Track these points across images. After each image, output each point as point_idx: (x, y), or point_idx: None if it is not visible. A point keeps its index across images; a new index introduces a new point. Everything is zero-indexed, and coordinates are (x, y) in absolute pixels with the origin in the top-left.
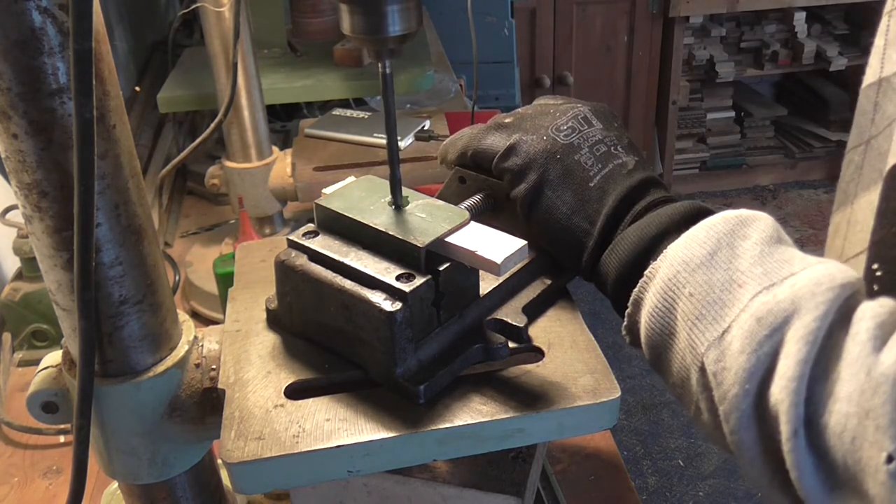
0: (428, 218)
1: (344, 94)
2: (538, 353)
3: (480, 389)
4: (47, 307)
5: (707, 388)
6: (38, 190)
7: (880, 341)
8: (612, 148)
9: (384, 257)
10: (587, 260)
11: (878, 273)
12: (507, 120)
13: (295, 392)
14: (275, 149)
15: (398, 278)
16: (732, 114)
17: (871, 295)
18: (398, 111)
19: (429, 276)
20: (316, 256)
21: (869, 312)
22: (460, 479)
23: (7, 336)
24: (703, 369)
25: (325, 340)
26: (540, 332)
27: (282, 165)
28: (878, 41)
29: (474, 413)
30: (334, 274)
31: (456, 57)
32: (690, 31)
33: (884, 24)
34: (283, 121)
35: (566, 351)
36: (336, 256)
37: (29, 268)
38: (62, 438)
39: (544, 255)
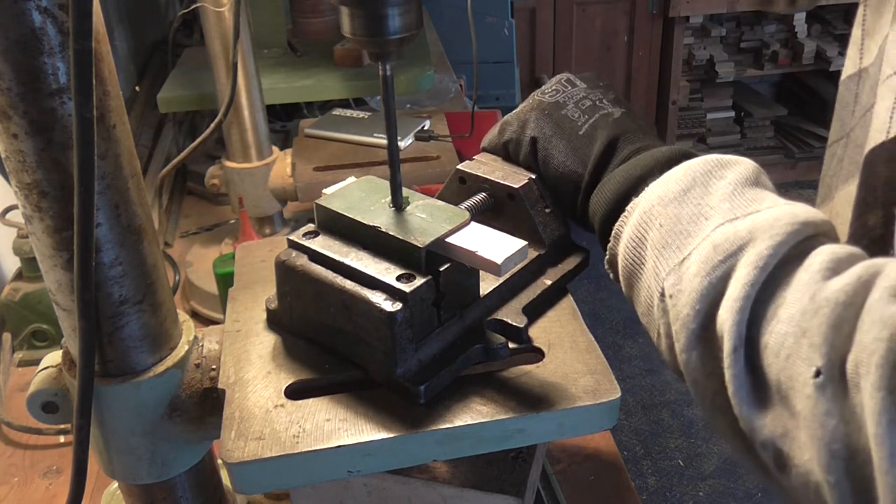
0: (428, 218)
1: (344, 94)
2: (538, 354)
3: (480, 390)
4: (47, 307)
5: (665, 312)
6: (38, 190)
7: (831, 272)
8: (597, 102)
9: (384, 257)
10: (581, 202)
11: None
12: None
13: (295, 392)
14: (275, 149)
15: (399, 278)
16: (732, 114)
17: None
18: (398, 111)
19: (429, 277)
20: (316, 256)
21: (827, 249)
22: (460, 479)
23: (7, 336)
24: (662, 294)
25: (326, 341)
26: (540, 332)
27: (282, 165)
28: (856, 31)
29: (474, 413)
30: (335, 274)
31: (456, 57)
32: (690, 31)
33: (860, 15)
34: (283, 121)
35: (566, 351)
36: (336, 256)
37: (29, 268)
38: (62, 438)
39: (545, 255)
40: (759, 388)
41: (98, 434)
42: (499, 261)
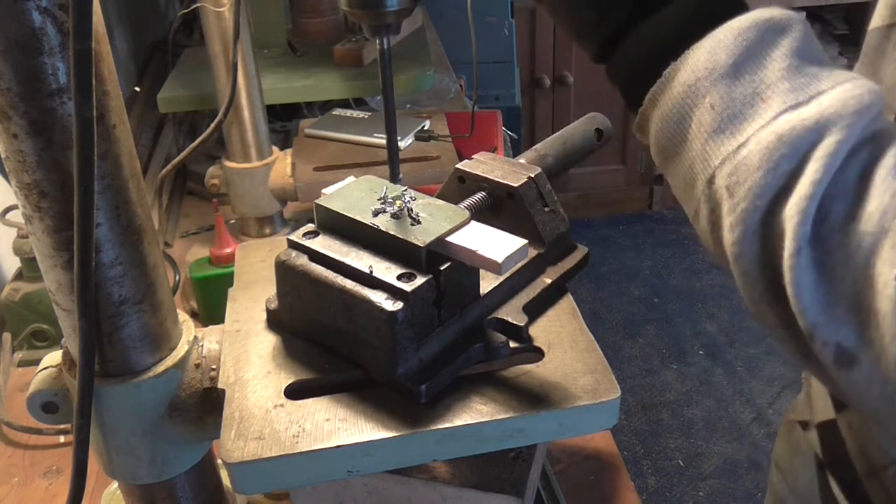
0: (428, 217)
1: (344, 94)
2: (538, 353)
3: (480, 389)
4: (47, 307)
5: (712, 199)
6: (38, 190)
7: None
8: None
9: (385, 257)
10: (599, 49)
11: None
12: None
13: (295, 392)
14: (275, 149)
15: (399, 278)
16: None
17: None
18: (398, 111)
19: (430, 276)
20: (316, 256)
21: None
22: (460, 479)
23: (7, 336)
24: (711, 181)
25: (326, 340)
26: (540, 332)
27: (282, 165)
28: None
29: (474, 413)
30: (335, 274)
31: (456, 57)
32: None
33: None
34: (283, 121)
35: (566, 351)
36: (337, 256)
37: (29, 268)
38: (62, 438)
39: (545, 254)
40: (826, 285)
41: (98, 434)
42: (499, 259)
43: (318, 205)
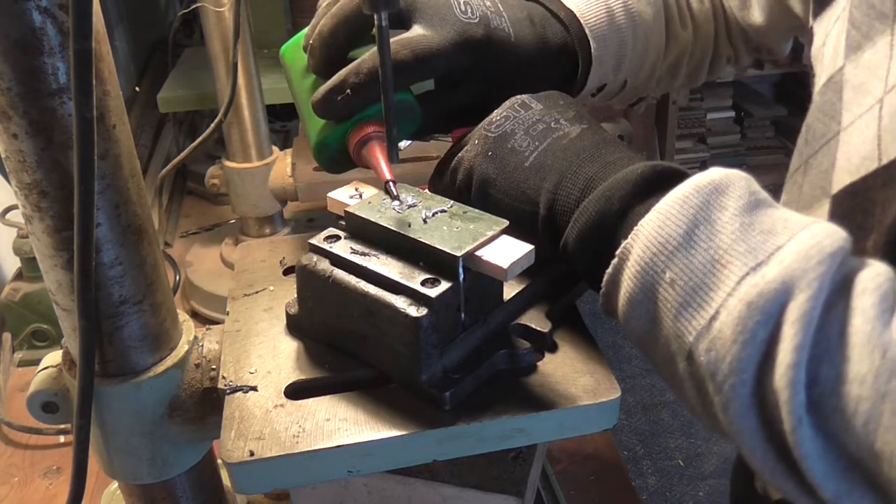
0: (458, 224)
1: None
2: (538, 354)
3: (480, 389)
4: (47, 307)
5: (695, 376)
6: (38, 190)
7: (888, 314)
8: (553, 123)
9: (408, 262)
10: (546, 240)
11: None
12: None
13: (295, 392)
14: (275, 149)
15: (423, 283)
16: (732, 114)
17: None
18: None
19: (454, 281)
20: (338, 261)
21: (870, 284)
22: (460, 479)
23: (7, 336)
24: (690, 357)
25: (348, 346)
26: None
27: (282, 165)
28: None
29: (474, 413)
30: (357, 279)
31: None
32: None
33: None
34: (283, 121)
35: (566, 351)
36: (359, 261)
37: (29, 268)
38: (62, 438)
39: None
40: (834, 451)
41: (98, 434)
42: (505, 265)
43: (347, 213)
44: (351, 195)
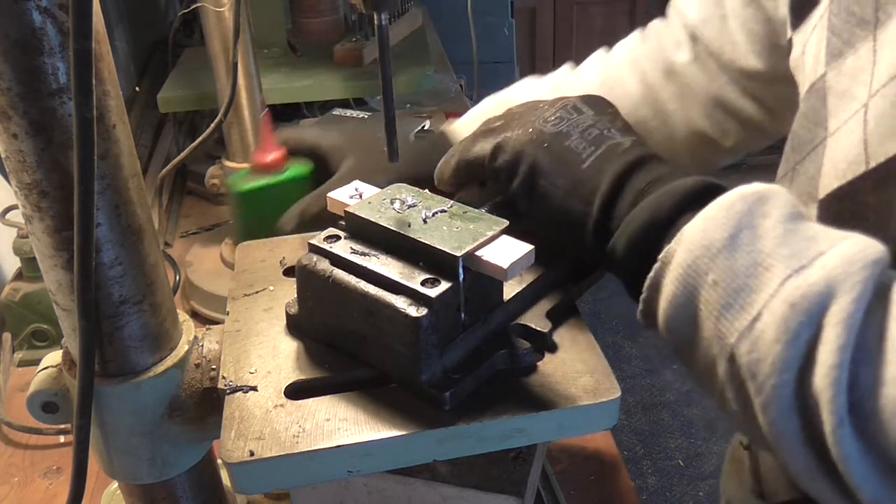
0: (459, 224)
1: (344, 94)
2: (538, 354)
3: (480, 389)
4: (47, 307)
5: (736, 378)
6: (38, 190)
7: None
8: (605, 131)
9: (408, 262)
10: (591, 242)
11: None
12: (496, 124)
13: (295, 392)
14: None
15: (423, 283)
16: None
17: None
18: (398, 111)
19: (454, 281)
20: (338, 261)
21: None
22: (460, 479)
23: (7, 336)
24: (732, 359)
25: (348, 346)
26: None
27: None
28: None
29: (474, 413)
30: (357, 279)
31: (456, 57)
32: None
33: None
34: (283, 121)
35: (566, 351)
36: (359, 261)
37: (29, 268)
38: (62, 438)
39: (569, 259)
40: (875, 453)
41: (98, 434)
42: (505, 265)
43: (348, 212)
44: (351, 195)
